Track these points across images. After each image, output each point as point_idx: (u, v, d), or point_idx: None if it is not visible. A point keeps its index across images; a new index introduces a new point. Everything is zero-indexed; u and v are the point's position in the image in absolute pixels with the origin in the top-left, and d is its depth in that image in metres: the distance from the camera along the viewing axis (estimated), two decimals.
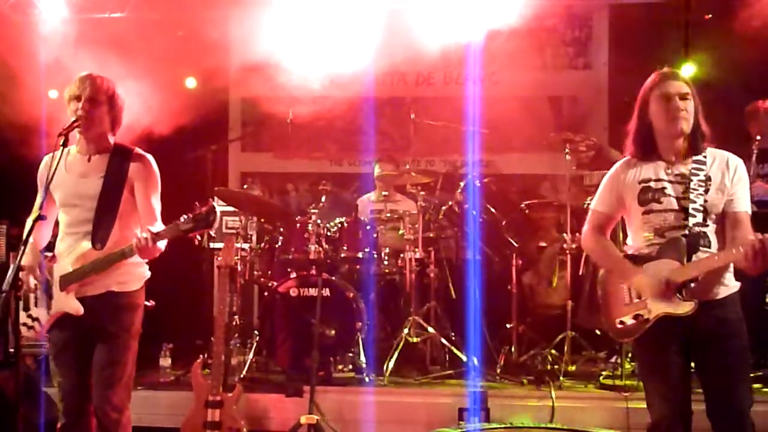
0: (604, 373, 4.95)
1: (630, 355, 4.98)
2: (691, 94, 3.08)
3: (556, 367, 5.06)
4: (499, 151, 6.88)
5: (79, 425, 3.38)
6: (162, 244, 3.30)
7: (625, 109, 5.18)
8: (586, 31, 7.22)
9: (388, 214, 5.59)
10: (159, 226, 3.32)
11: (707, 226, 3.00)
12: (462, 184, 5.70)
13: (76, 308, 3.29)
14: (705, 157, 3.07)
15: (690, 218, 2.99)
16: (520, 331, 5.48)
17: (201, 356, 4.78)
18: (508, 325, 5.49)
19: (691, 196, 3.00)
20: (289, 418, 4.43)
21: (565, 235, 5.35)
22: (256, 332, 5.28)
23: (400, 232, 5.50)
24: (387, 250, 5.46)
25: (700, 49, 6.24)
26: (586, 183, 5.62)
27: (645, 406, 4.40)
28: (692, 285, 2.95)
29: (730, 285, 3.04)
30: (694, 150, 3.08)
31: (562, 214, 5.54)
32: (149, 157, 3.46)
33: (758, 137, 5.01)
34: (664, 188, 3.06)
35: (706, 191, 3.01)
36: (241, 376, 4.94)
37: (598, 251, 3.29)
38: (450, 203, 5.78)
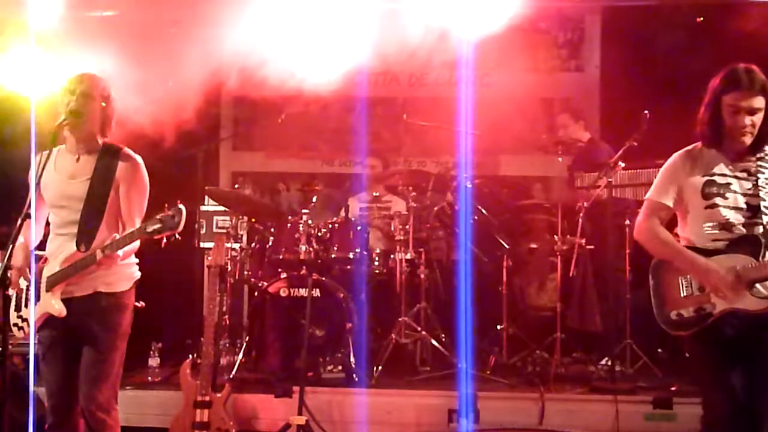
0: (593, 375, 4.96)
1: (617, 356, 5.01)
2: (763, 105, 3.01)
3: (546, 368, 5.06)
4: (491, 153, 6.89)
5: (66, 425, 3.36)
6: (134, 245, 3.28)
7: (625, 114, 5.21)
8: (578, 33, 7.24)
9: (380, 214, 5.58)
10: (125, 231, 3.30)
11: None
12: (453, 185, 5.70)
13: (59, 310, 3.26)
14: (764, 153, 3.05)
15: (763, 216, 2.97)
16: (510, 333, 5.47)
17: (190, 356, 4.76)
18: (498, 327, 5.49)
19: (761, 194, 2.99)
20: (279, 418, 4.42)
21: (555, 236, 5.35)
22: (245, 332, 5.27)
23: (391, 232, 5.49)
24: (377, 251, 5.45)
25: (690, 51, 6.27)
26: (578, 185, 5.63)
27: (635, 409, 4.46)
28: (762, 285, 2.91)
29: None
30: (755, 148, 3.06)
31: (553, 216, 5.55)
32: (138, 158, 3.43)
33: None
34: (729, 184, 3.04)
35: None
36: (231, 376, 4.92)
37: (655, 241, 3.18)
38: (441, 204, 5.77)
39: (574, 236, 5.24)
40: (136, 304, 3.48)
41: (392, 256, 5.41)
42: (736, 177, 3.05)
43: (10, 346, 3.79)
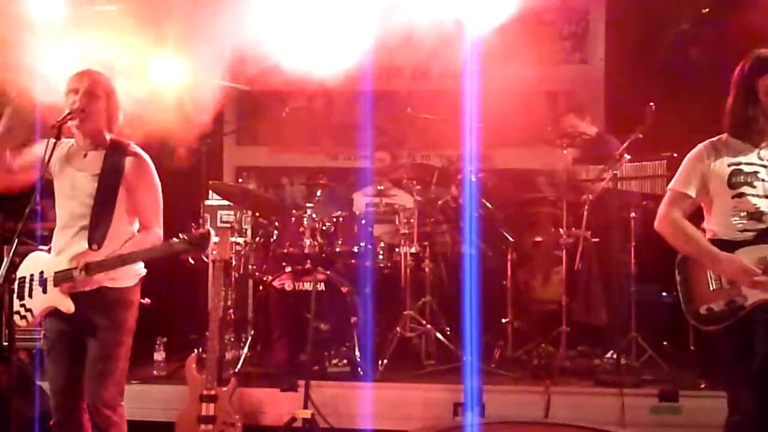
0: (599, 368, 4.96)
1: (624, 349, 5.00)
2: None
3: (551, 362, 5.05)
4: (495, 146, 6.86)
5: (71, 421, 3.36)
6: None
7: (630, 106, 5.19)
8: (583, 25, 7.21)
9: (385, 208, 5.58)
10: (151, 240, 3.34)
11: None
12: (458, 178, 5.69)
13: (68, 306, 3.27)
14: None
15: None
16: (515, 326, 5.47)
17: (195, 350, 4.77)
18: (503, 320, 5.49)
19: None
20: (284, 412, 4.43)
21: (561, 230, 5.34)
22: (250, 326, 5.27)
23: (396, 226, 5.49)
24: (382, 245, 5.45)
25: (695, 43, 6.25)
26: (583, 177, 5.61)
27: (641, 402, 4.46)
28: None
29: None
30: None
31: (558, 209, 5.54)
32: (145, 155, 3.44)
33: None
34: (757, 172, 3.01)
35: None
36: (236, 370, 4.92)
37: (678, 234, 3.12)
38: (446, 198, 5.76)
39: (579, 229, 5.23)
40: (142, 300, 3.49)
41: (397, 249, 5.41)
42: (763, 166, 3.01)
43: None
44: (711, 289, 3.03)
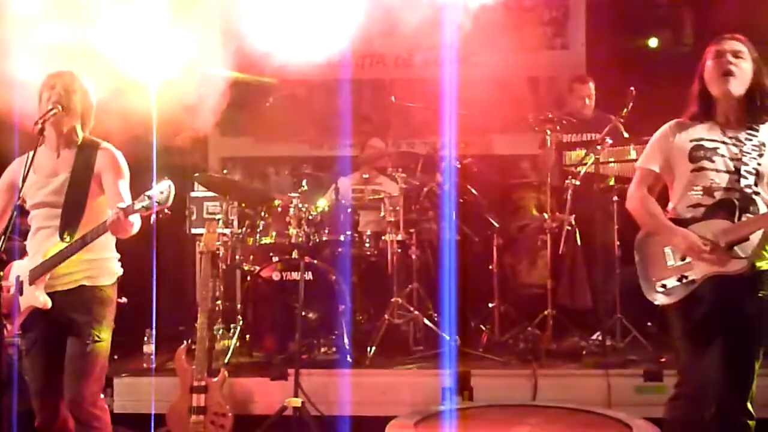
0: (585, 350, 5.02)
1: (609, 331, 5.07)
2: (749, 57, 3.03)
3: (538, 345, 5.11)
4: (479, 132, 6.89)
5: (56, 421, 3.38)
6: (136, 224, 3.29)
7: (611, 91, 5.22)
8: (563, 11, 7.24)
9: (371, 196, 5.60)
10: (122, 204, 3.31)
11: (758, 193, 2.98)
12: (442, 165, 5.72)
13: (44, 302, 3.28)
14: (760, 126, 3.04)
15: (742, 179, 2.96)
16: (501, 311, 5.52)
17: (185, 342, 4.78)
18: (490, 305, 5.53)
19: (744, 159, 2.98)
20: (274, 401, 4.45)
21: (545, 214, 5.39)
22: (239, 317, 5.29)
23: (381, 214, 5.51)
24: (368, 233, 5.47)
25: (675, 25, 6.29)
26: (566, 162, 5.66)
27: (626, 382, 4.52)
28: (748, 245, 2.91)
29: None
30: (752, 117, 3.05)
31: (542, 194, 5.58)
32: (116, 150, 3.47)
33: None
34: (717, 148, 3.03)
35: (760, 155, 2.98)
36: (226, 361, 4.95)
37: (641, 211, 3.19)
38: (431, 185, 5.79)
39: (563, 214, 5.28)
40: (119, 300, 3.50)
41: (383, 237, 5.43)
42: (724, 142, 3.04)
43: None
44: (667, 266, 3.08)
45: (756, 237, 2.94)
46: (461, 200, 5.61)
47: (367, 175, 5.95)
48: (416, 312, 5.27)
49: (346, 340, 4.96)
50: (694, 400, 3.03)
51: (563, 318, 5.30)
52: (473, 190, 5.73)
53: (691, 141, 3.08)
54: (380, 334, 5.11)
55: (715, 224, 2.97)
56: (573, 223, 5.33)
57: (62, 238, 3.29)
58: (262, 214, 5.43)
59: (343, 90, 6.67)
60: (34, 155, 3.22)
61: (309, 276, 4.96)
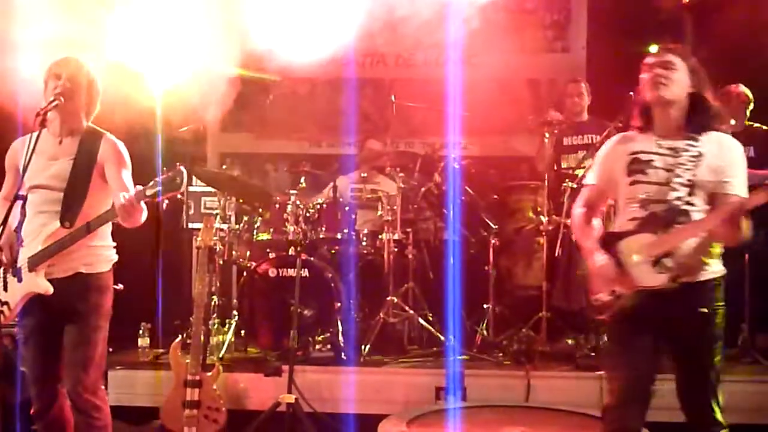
0: (578, 353, 5.03)
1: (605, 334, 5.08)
2: (682, 67, 3.02)
3: (531, 346, 5.12)
4: (478, 134, 6.91)
5: (52, 409, 3.39)
6: (144, 212, 3.31)
7: (611, 95, 5.23)
8: (564, 14, 7.25)
9: (369, 195, 5.61)
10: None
11: (693, 204, 2.91)
12: (440, 165, 5.73)
13: (45, 287, 3.29)
14: (702, 136, 2.99)
15: (672, 192, 2.93)
16: (496, 312, 5.54)
17: (180, 336, 4.79)
18: (485, 306, 5.55)
19: (678, 171, 2.94)
20: (268, 397, 4.46)
21: (541, 217, 5.40)
22: (234, 312, 5.30)
23: (378, 213, 5.52)
24: (365, 231, 5.49)
25: (676, 31, 6.30)
26: (564, 166, 5.68)
27: None
28: (672, 259, 2.88)
29: (709, 270, 2.96)
30: (692, 127, 3.01)
31: (539, 196, 5.60)
32: (118, 141, 3.49)
33: (731, 121, 5.09)
34: (652, 160, 3.00)
35: (696, 166, 2.92)
36: (220, 355, 4.97)
37: (574, 226, 3.25)
38: (428, 185, 5.80)
39: (560, 216, 5.29)
40: (115, 286, 3.52)
41: (380, 236, 5.45)
42: (659, 153, 3.01)
43: None
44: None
45: (687, 248, 2.89)
46: (459, 201, 5.62)
47: (365, 174, 5.96)
48: (411, 311, 5.28)
49: (341, 338, 4.98)
50: (622, 411, 3.03)
51: (558, 320, 5.31)
52: (470, 191, 5.74)
53: (629, 154, 3.07)
54: (375, 332, 5.13)
55: (643, 238, 2.95)
56: (569, 225, 5.34)
57: (63, 225, 3.29)
58: (260, 210, 5.44)
59: (343, 88, 6.69)
60: (38, 137, 3.21)
61: (305, 273, 4.97)
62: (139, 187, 3.26)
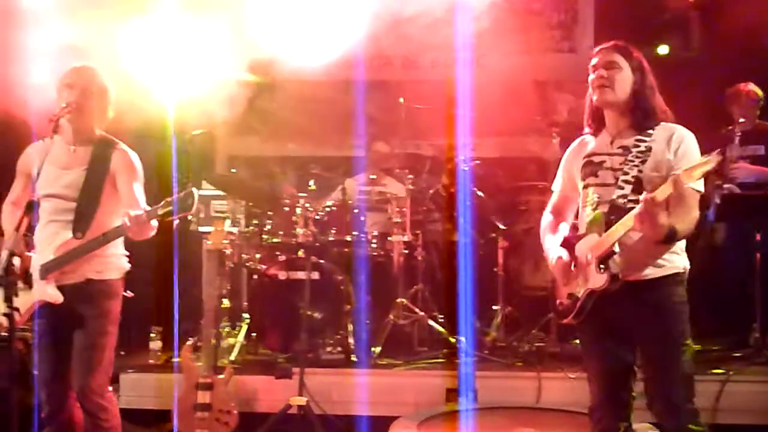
0: None
1: None
2: (625, 65, 3.01)
3: (542, 348, 5.12)
4: (486, 135, 6.91)
5: (62, 414, 3.43)
6: (154, 228, 3.34)
7: None
8: (571, 15, 7.25)
9: (377, 197, 5.62)
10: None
11: (637, 201, 2.77)
12: (449, 167, 5.73)
13: (56, 296, 3.32)
14: (652, 131, 2.95)
15: (617, 190, 2.89)
16: (506, 313, 5.54)
17: (191, 339, 4.81)
18: (494, 307, 5.55)
19: (625, 168, 2.90)
20: (279, 399, 4.47)
21: None
22: (245, 315, 5.32)
23: (387, 215, 5.52)
24: (375, 233, 5.50)
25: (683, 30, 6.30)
26: None
27: None
28: (614, 259, 2.83)
29: (665, 266, 2.89)
30: (640, 125, 2.97)
31: (547, 197, 5.58)
32: (131, 152, 3.52)
33: (741, 119, 5.08)
34: (603, 162, 2.98)
35: (643, 162, 2.87)
36: (231, 358, 4.98)
37: (541, 231, 3.25)
38: (437, 187, 5.81)
39: None
40: (125, 293, 3.54)
41: (389, 238, 5.45)
42: (609, 154, 2.98)
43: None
44: (564, 283, 3.07)
45: (627, 247, 2.85)
46: (467, 202, 5.62)
47: (374, 176, 5.97)
48: (421, 313, 5.29)
49: (351, 340, 4.99)
50: (603, 411, 3.05)
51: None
52: (479, 193, 5.75)
53: (584, 158, 3.06)
54: (385, 334, 5.13)
55: (589, 240, 2.93)
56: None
57: (75, 235, 3.32)
58: (269, 213, 5.46)
59: (350, 91, 6.69)
60: (45, 145, 3.24)
61: (315, 275, 4.98)
62: (148, 207, 3.29)
